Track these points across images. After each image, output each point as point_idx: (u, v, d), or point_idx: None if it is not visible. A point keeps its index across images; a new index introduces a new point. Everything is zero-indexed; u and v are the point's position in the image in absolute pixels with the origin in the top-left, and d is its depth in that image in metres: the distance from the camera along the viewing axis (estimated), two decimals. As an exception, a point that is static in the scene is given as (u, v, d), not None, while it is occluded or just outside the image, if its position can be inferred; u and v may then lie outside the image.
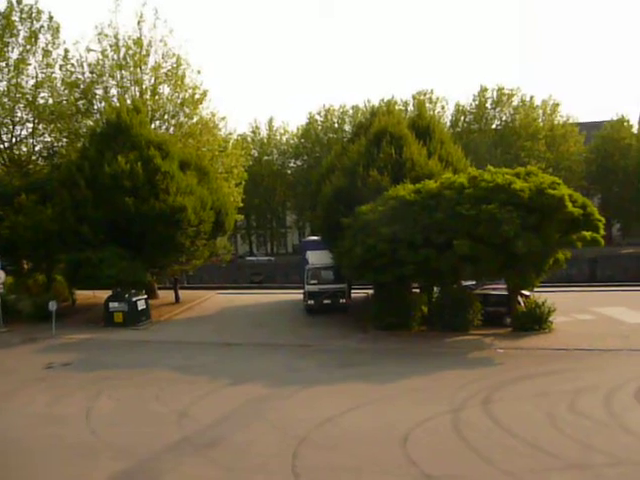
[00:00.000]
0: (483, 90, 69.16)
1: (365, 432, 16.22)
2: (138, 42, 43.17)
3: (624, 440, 15.26)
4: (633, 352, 24.88)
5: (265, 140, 76.04)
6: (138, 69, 43.15)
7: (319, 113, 74.04)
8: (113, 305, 34.33)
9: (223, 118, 46.70)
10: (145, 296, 36.12)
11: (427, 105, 66.32)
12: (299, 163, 76.21)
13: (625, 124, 69.11)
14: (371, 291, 34.92)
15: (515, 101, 68.87)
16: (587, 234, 27.84)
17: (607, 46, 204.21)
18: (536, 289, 31.47)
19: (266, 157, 75.23)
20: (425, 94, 69.97)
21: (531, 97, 69.08)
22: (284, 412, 18.17)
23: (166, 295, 44.88)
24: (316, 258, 37.41)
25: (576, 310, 34.00)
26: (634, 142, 66.51)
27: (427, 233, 27.35)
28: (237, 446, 15.49)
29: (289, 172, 76.78)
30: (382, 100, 59.02)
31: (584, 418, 17.01)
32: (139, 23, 43.68)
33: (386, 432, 16.08)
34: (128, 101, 41.35)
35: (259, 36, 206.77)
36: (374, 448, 15.09)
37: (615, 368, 22.63)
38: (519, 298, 30.27)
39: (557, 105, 69.46)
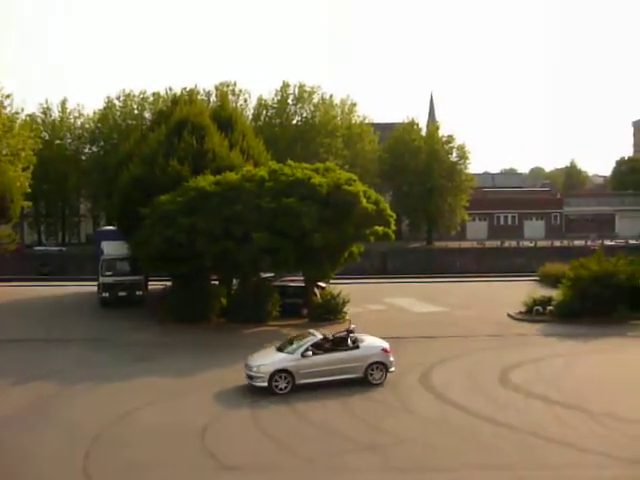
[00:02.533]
0: (285, 86, 70.30)
1: (162, 427, 15.79)
2: None
3: (410, 420, 16.30)
4: (419, 339, 26.65)
5: (57, 123, 71.33)
6: None
7: (118, 98, 70.86)
8: None
9: (8, 95, 42.93)
10: None
11: (230, 97, 66.04)
12: (95, 149, 72.33)
13: (415, 127, 74.02)
14: (169, 283, 34.14)
15: (315, 98, 70.86)
16: (380, 229, 29.38)
17: (401, 54, 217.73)
18: (331, 281, 32.63)
19: (58, 141, 70.52)
20: (228, 85, 69.69)
21: (331, 95, 71.48)
22: (75, 411, 17.16)
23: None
24: (112, 249, 35.79)
25: (368, 301, 35.75)
26: (423, 144, 71.42)
27: (227, 225, 27.26)
28: (21, 451, 14.32)
29: (84, 158, 72.65)
30: (184, 89, 57.68)
31: (374, 402, 17.92)
32: None
33: (183, 426, 15.77)
34: None
35: (64, 15, 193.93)
36: (171, 443, 14.73)
37: (403, 355, 24.00)
38: (315, 290, 31.18)
39: (354, 105, 72.53)
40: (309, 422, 16.26)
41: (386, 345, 20.20)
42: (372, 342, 20.43)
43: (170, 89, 66.07)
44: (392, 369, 19.83)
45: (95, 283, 37.05)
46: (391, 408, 17.51)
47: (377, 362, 19.64)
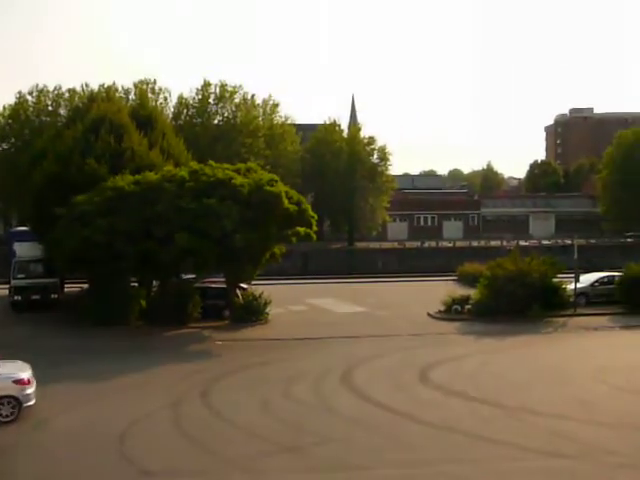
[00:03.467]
0: (206, 85, 69.40)
1: (79, 434, 15.27)
2: None
3: (331, 420, 16.34)
4: (340, 339, 26.81)
5: (-39, 117, 68.09)
6: None
7: (30, 93, 68.22)
8: None
9: None
10: None
11: (149, 95, 64.68)
12: (5, 146, 69.50)
13: (337, 128, 74.58)
14: (86, 285, 33.13)
15: (237, 98, 70.24)
16: (301, 229, 29.42)
17: (324, 56, 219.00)
18: (253, 282, 32.44)
19: (-38, 136, 67.38)
20: (148, 83, 68.21)
21: (252, 95, 70.97)
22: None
23: None
24: (24, 250, 34.44)
25: (290, 301, 35.73)
26: (344, 145, 72.02)
27: (147, 225, 26.70)
28: None
29: (-7, 155, 69.67)
30: (102, 86, 56.10)
31: (297, 403, 17.91)
32: None
33: (102, 432, 15.31)
34: None
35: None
36: (89, 450, 14.27)
37: (325, 355, 24.19)
38: (237, 291, 30.93)
39: (276, 105, 72.31)
40: (230, 424, 16.09)
41: (23, 375, 16.68)
42: (4, 371, 16.80)
43: (87, 85, 63.90)
44: (30, 402, 16.45)
45: (6, 286, 35.58)
46: (313, 408, 17.53)
47: (6, 396, 16.11)
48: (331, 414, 16.94)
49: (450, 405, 17.75)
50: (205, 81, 69.83)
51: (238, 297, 30.65)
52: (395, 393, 18.69)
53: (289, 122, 73.73)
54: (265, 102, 72.40)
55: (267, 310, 30.65)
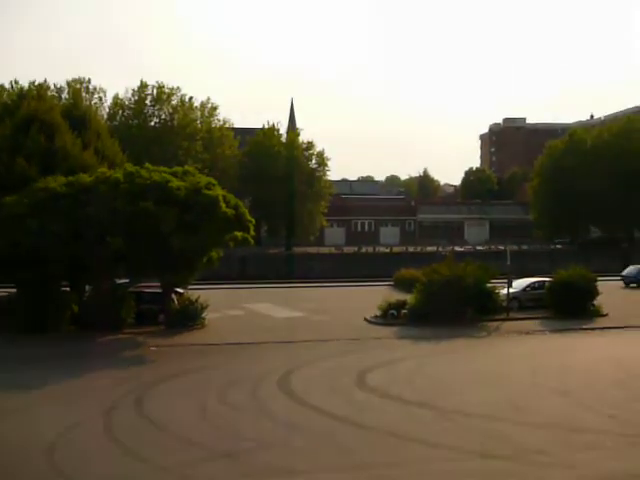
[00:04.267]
0: (143, 86, 68.38)
1: (6, 446, 14.65)
2: None
3: (268, 425, 16.20)
4: (278, 344, 26.70)
5: None
6: None
7: (-47, 90, 65.73)
8: None
9: None
10: None
11: (83, 95, 63.26)
12: None
13: (275, 132, 74.61)
14: (14, 290, 32.00)
15: (174, 100, 69.47)
16: (239, 234, 29.20)
17: (264, 60, 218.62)
18: (190, 286, 32.01)
19: None
20: (82, 82, 66.74)
21: (190, 98, 70.36)
22: None
23: None
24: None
25: (227, 306, 35.42)
26: (282, 150, 72.07)
27: (79, 228, 26.02)
28: None
29: None
30: (32, 83, 54.48)
31: (233, 409, 17.69)
32: None
33: (31, 443, 14.71)
34: None
35: None
36: (16, 462, 13.68)
37: (262, 360, 24.02)
38: (173, 295, 30.45)
39: (215, 108, 71.86)
40: (165, 431, 15.76)
41: None
42: None
43: (16, 82, 61.89)
44: None
45: None
46: (250, 413, 17.34)
47: None
48: (268, 419, 16.80)
49: (386, 408, 17.84)
50: (142, 82, 68.79)
51: (174, 302, 30.18)
52: (332, 397, 18.68)
53: (227, 125, 73.33)
54: (203, 105, 71.80)
55: (203, 315, 30.28)
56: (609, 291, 35.67)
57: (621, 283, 47.63)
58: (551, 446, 14.56)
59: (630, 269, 49.28)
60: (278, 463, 13.73)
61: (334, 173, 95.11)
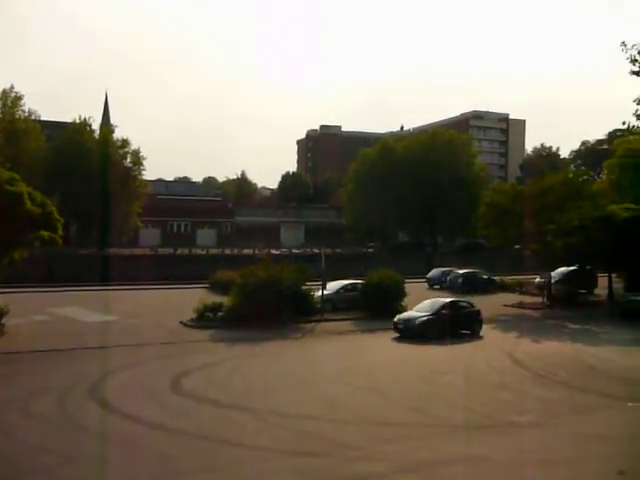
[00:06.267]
0: None
1: None
2: None
3: (76, 438, 15.35)
4: (88, 350, 25.41)
5: None
6: None
7: None
8: None
9: None
10: None
11: None
12: None
13: (87, 128, 71.23)
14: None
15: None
16: (45, 233, 27.49)
17: (75, 50, 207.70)
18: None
19: None
20: None
21: (-8, 86, 65.24)
22: None
23: None
24: None
25: (32, 311, 33.15)
26: (95, 147, 68.92)
27: None
28: None
29: None
30: None
31: (38, 422, 16.56)
32: None
33: None
34: None
35: None
36: None
37: (71, 367, 22.75)
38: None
39: (19, 98, 67.11)
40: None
41: None
42: None
43: None
44: None
45: None
46: (56, 425, 16.32)
47: None
48: (78, 431, 15.91)
49: (202, 413, 17.65)
50: None
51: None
52: (146, 404, 18.13)
53: (34, 118, 68.85)
54: (5, 93, 66.79)
55: (3, 321, 28.10)
56: (415, 292, 37.98)
57: (426, 285, 50.92)
58: (362, 440, 15.23)
59: (434, 272, 52.92)
60: (90, 476, 13.08)
61: (150, 172, 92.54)
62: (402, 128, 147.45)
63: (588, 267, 44.70)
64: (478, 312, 31.25)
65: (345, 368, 23.04)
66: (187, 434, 15.61)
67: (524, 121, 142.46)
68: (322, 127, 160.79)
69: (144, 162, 71.73)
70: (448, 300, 31.65)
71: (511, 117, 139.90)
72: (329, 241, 70.84)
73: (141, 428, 16.12)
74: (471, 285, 46.01)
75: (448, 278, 49.63)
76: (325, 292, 34.61)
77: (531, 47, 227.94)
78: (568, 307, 38.79)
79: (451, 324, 29.08)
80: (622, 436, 15.89)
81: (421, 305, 31.05)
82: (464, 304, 32.00)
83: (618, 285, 43.41)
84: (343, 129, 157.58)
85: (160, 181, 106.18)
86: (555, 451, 14.75)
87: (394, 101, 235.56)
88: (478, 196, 72.15)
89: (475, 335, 30.13)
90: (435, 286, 50.66)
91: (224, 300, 32.81)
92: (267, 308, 30.47)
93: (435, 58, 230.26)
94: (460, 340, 28.85)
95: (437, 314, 29.60)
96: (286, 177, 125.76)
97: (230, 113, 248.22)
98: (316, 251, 55.63)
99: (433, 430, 16.25)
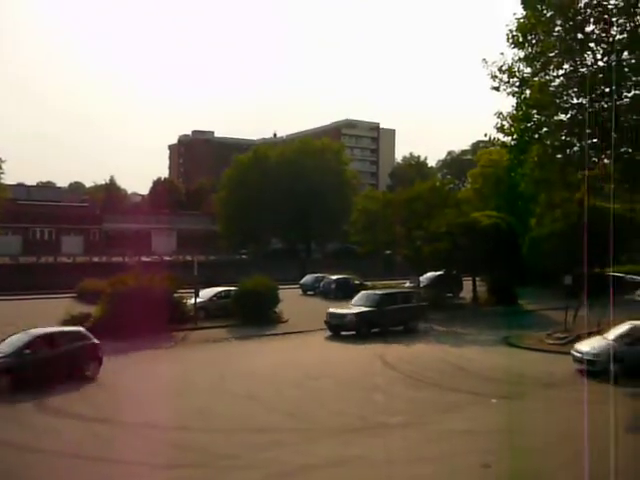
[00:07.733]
0: None
1: None
2: None
3: None
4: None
5: None
6: None
7: None
8: None
9: None
10: None
11: None
12: None
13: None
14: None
15: None
16: None
17: None
18: None
19: None
20: None
21: None
22: None
23: None
24: None
25: None
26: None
27: None
28: None
29: None
30: None
31: None
32: None
33: None
34: None
35: None
36: None
37: None
38: None
39: None
40: None
41: None
42: None
43: None
44: None
45: None
46: None
47: None
48: None
49: (69, 429, 16.80)
50: None
51: None
52: (9, 424, 17.02)
53: None
54: None
55: None
56: (289, 298, 38.16)
57: (299, 291, 51.32)
58: (239, 449, 15.08)
59: (307, 278, 53.47)
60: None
61: (9, 176, 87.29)
62: (275, 135, 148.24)
63: (454, 272, 46.74)
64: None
65: (220, 375, 22.76)
66: (53, 453, 14.81)
67: (394, 130, 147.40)
68: (194, 132, 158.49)
69: (3, 165, 67.67)
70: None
71: (382, 126, 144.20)
72: (202, 248, 69.89)
73: (3, 450, 15.11)
74: (344, 291, 46.94)
75: (322, 284, 50.27)
76: (198, 300, 34.10)
77: (402, 58, 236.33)
78: (435, 310, 40.36)
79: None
80: (487, 431, 16.66)
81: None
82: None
83: (482, 289, 45.69)
84: (216, 135, 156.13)
85: (21, 186, 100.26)
86: (425, 448, 15.26)
87: (268, 108, 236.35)
88: (350, 203, 73.80)
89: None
90: (309, 292, 51.16)
91: (92, 310, 31.49)
92: (138, 317, 29.51)
93: (309, 65, 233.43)
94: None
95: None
96: (157, 183, 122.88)
97: (98, 114, 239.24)
98: (189, 258, 54.71)
99: (307, 435, 16.34)
